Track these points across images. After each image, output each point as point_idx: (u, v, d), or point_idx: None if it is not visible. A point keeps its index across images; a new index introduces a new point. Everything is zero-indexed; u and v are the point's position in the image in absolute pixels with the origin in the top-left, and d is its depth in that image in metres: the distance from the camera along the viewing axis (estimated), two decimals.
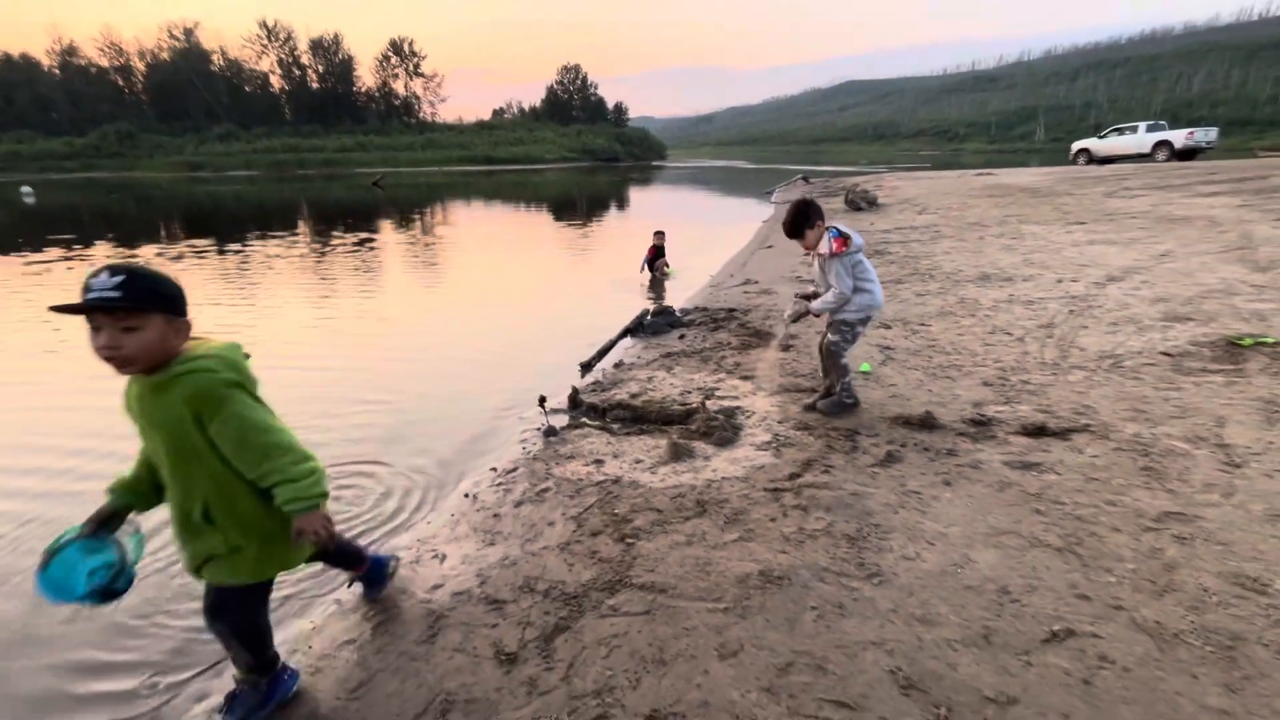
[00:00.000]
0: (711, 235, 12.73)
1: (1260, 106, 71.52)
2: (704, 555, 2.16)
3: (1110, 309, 4.57)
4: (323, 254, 10.76)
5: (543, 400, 3.67)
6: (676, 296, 6.91)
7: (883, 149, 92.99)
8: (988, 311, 4.88)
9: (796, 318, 3.28)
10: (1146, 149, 21.88)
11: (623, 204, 22.97)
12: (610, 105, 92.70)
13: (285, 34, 73.90)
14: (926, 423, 3.02)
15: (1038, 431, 2.85)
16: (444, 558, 2.34)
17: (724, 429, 3.14)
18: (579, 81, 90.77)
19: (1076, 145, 25.06)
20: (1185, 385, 3.20)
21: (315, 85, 75.25)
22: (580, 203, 23.22)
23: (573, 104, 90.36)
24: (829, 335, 3.23)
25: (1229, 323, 3.98)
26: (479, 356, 5.15)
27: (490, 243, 12.78)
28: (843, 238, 2.99)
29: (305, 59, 74.89)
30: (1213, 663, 1.57)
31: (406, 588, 2.17)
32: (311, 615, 2.14)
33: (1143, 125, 22.92)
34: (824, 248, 3.00)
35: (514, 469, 3.02)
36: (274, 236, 13.08)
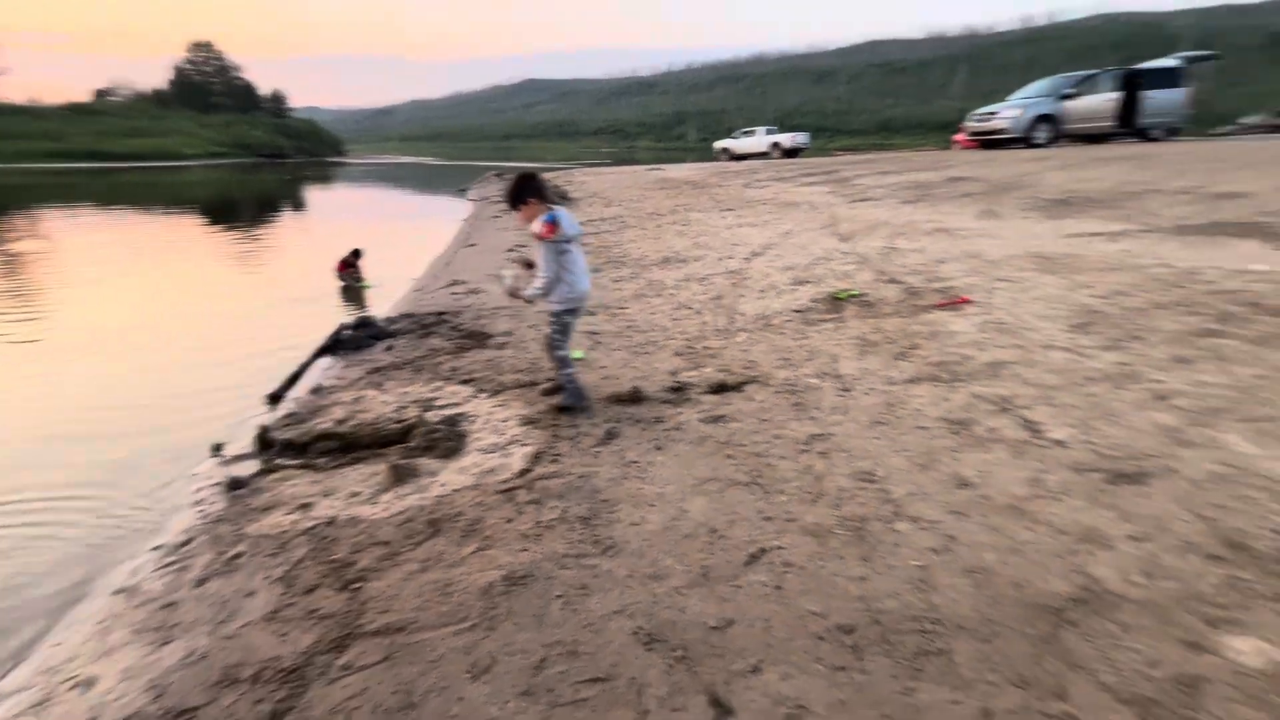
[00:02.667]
0: (410, 237, 12.00)
1: (829, 117, 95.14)
2: (443, 577, 2.04)
3: (758, 279, 5.63)
4: None
5: (218, 448, 3.03)
6: (379, 305, 6.35)
7: (567, 146, 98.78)
8: (671, 290, 5.58)
9: (511, 293, 3.26)
10: (765, 148, 27.39)
11: (299, 206, 20.17)
12: (265, 92, 79.80)
13: None
14: (635, 397, 3.33)
15: (720, 388, 3.37)
16: (92, 682, 1.78)
17: (448, 439, 3.01)
18: (217, 62, 75.95)
19: (718, 145, 30.12)
20: (811, 334, 4.11)
21: None
22: (244, 206, 19.67)
23: (212, 88, 75.37)
24: (545, 327, 3.26)
25: (832, 282, 5.24)
26: (120, 408, 4.02)
27: (119, 259, 10.00)
28: (552, 224, 2.95)
29: None
30: (852, 544, 2.06)
31: None
32: None
33: (761, 129, 28.61)
34: (535, 228, 2.99)
35: (189, 541, 2.45)
36: None
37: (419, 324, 5.21)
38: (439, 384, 3.81)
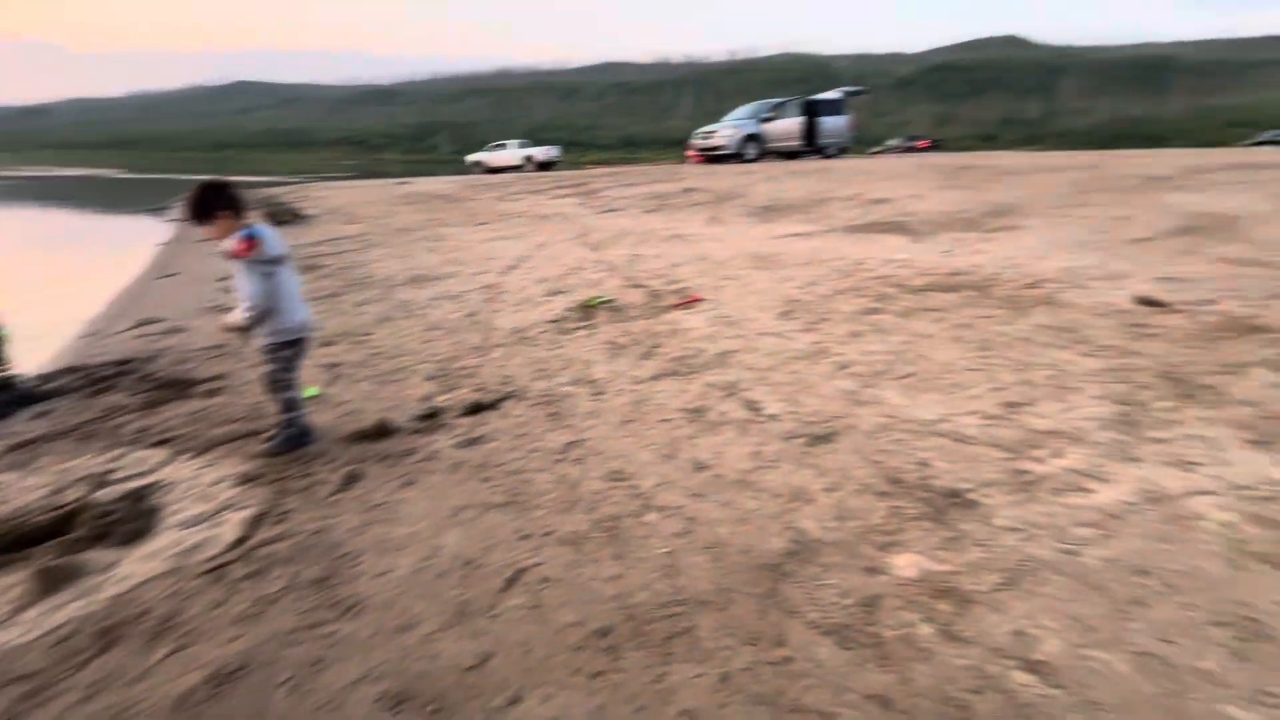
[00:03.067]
0: (81, 269, 9.56)
1: (579, 132, 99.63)
2: (120, 699, 1.61)
3: (513, 292, 5.59)
4: None
5: None
6: (26, 360, 4.89)
7: (302, 158, 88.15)
8: (423, 310, 5.26)
9: (229, 328, 2.83)
10: (519, 161, 27.61)
11: None
12: None
13: None
14: (382, 431, 3.04)
15: (475, 409, 3.24)
16: None
17: (130, 519, 2.41)
18: None
19: (470, 157, 29.58)
20: (566, 343, 4.19)
21: None
22: None
23: None
24: (262, 365, 2.86)
25: (584, 291, 5.42)
26: None
27: None
28: (251, 240, 2.59)
29: None
30: (607, 545, 2.12)
31: None
32: None
33: (514, 143, 28.77)
34: (229, 246, 2.60)
35: None
36: None
37: (90, 378, 4.15)
38: (120, 451, 3.06)
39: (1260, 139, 34.25)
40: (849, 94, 19.25)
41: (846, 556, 1.95)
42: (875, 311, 4.23)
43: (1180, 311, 3.77)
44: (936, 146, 40.07)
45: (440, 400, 3.41)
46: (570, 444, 2.82)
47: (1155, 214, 6.50)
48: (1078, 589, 1.74)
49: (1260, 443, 2.36)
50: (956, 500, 2.18)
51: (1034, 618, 1.65)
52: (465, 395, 3.45)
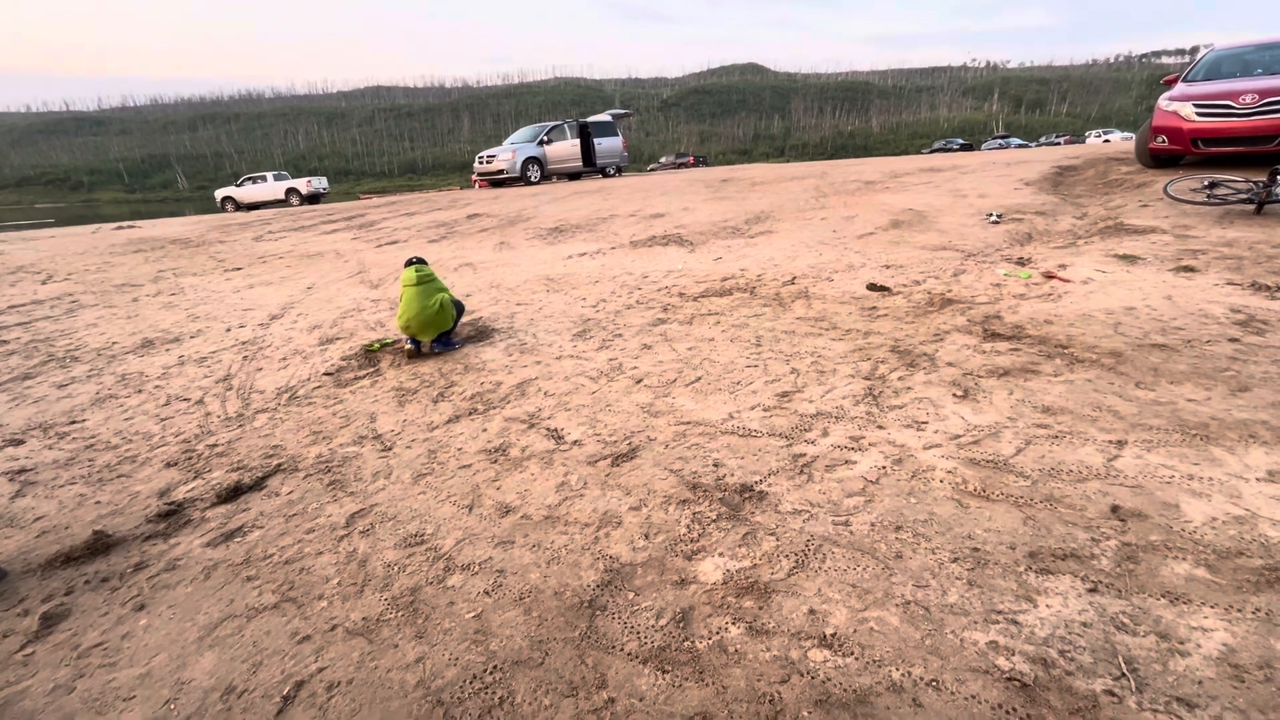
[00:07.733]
0: None
1: (350, 160, 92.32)
2: None
3: (278, 346, 4.89)
4: None
5: None
6: None
7: None
8: (158, 382, 4.35)
9: None
10: (281, 195, 24.67)
11: None
12: None
13: None
14: (97, 545, 2.41)
15: (233, 494, 2.73)
16: None
17: None
18: None
19: (220, 193, 25.76)
20: (345, 396, 3.75)
21: None
22: None
23: None
24: None
25: (365, 334, 4.93)
26: None
27: None
28: None
29: None
30: (406, 624, 1.88)
31: None
32: None
33: (270, 175, 25.60)
34: None
35: None
36: None
37: None
38: None
39: (935, 146, 43.32)
40: (617, 116, 20.36)
41: (657, 574, 1.96)
42: (662, 322, 4.44)
43: (898, 293, 4.51)
44: (701, 161, 44.12)
45: (185, 491, 2.82)
46: (356, 514, 2.50)
47: (873, 213, 7.79)
48: (853, 557, 1.93)
49: (963, 396, 2.88)
50: (749, 494, 2.32)
51: (822, 593, 1.80)
52: (219, 479, 2.89)
